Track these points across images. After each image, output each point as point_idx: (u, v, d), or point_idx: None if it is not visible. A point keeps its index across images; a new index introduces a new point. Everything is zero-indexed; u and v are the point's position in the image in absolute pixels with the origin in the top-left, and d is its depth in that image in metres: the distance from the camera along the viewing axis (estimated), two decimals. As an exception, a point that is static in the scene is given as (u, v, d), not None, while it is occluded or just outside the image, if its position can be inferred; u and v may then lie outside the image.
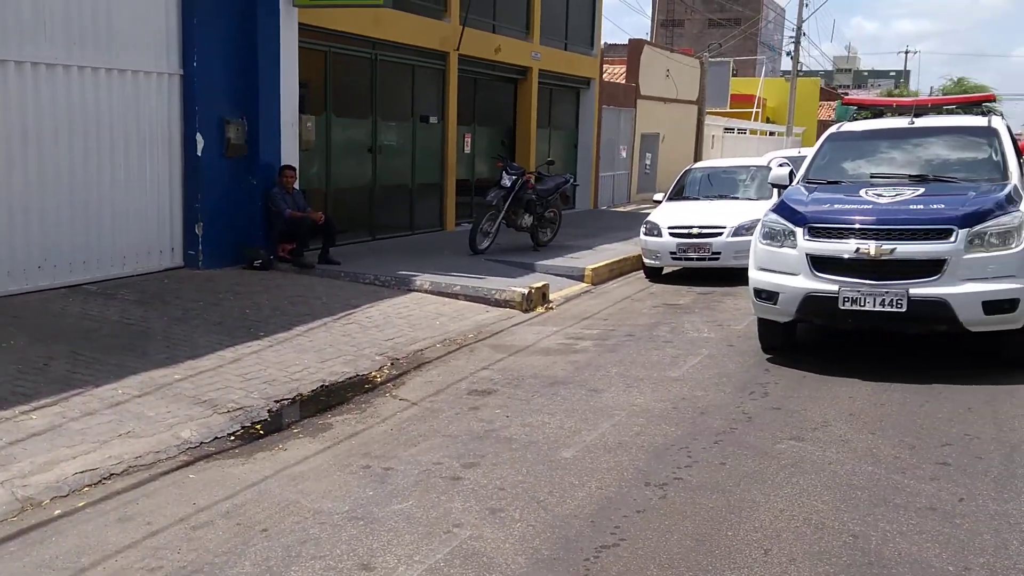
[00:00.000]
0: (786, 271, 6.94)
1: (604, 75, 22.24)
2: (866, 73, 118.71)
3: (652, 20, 60.34)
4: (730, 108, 34.55)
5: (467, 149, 16.56)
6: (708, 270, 11.86)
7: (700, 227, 11.65)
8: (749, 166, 13.65)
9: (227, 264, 10.83)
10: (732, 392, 6.41)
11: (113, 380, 6.42)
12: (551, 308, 10.11)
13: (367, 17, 12.82)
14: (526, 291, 9.95)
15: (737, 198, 12.76)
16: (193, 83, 10.29)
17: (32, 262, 8.90)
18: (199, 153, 10.42)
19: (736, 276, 11.60)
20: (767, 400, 6.18)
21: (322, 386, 6.77)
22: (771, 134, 37.81)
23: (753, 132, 36.12)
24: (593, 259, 12.68)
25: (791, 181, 8.18)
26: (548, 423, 5.79)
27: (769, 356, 7.47)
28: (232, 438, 5.64)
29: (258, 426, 5.88)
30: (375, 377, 7.09)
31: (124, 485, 4.85)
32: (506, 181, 12.87)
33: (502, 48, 16.69)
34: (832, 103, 50.51)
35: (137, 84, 9.80)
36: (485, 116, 17.31)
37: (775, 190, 12.19)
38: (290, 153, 11.46)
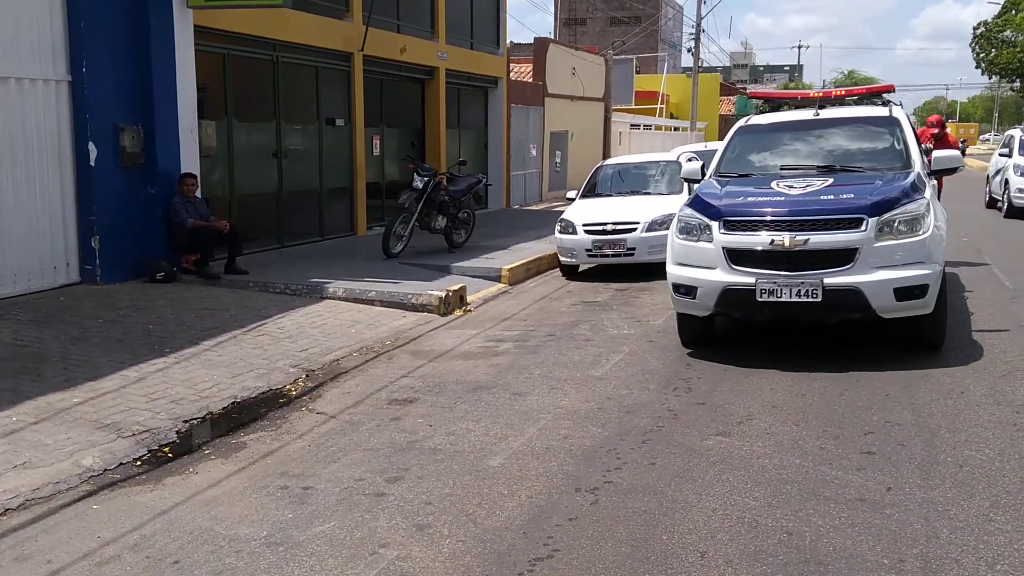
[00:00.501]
0: (703, 265, 6.95)
1: (511, 74, 22.19)
2: (762, 68, 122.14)
3: (555, 19, 60.79)
4: (635, 105, 35.01)
5: (376, 151, 16.27)
6: (624, 266, 11.89)
7: (614, 223, 11.66)
8: (659, 161, 13.76)
9: (128, 278, 10.34)
10: (656, 389, 6.37)
11: (6, 407, 6.00)
12: (469, 311, 9.96)
13: (267, 18, 12.43)
14: (443, 294, 9.78)
15: (649, 193, 12.84)
16: (83, 90, 9.77)
17: (-89, 284, 8.30)
18: (92, 163, 9.90)
19: (651, 271, 11.69)
20: (691, 396, 6.16)
21: (234, 402, 6.47)
22: (675, 129, 38.45)
23: (658, 128, 36.66)
24: (509, 259, 12.58)
25: (703, 175, 8.21)
26: (473, 430, 5.64)
27: (690, 351, 7.48)
28: (138, 463, 5.32)
29: (166, 449, 5.56)
30: (290, 391, 6.83)
31: (21, 520, 4.51)
32: (418, 183, 12.67)
33: (408, 48, 16.45)
34: (732, 98, 51.75)
35: (21, 92, 9.25)
36: (393, 117, 17.04)
37: (687, 185, 12.37)
38: (190, 160, 11.01)
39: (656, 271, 11.70)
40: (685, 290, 7.07)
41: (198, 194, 10.93)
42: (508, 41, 21.63)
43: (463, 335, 8.68)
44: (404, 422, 5.91)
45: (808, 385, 6.24)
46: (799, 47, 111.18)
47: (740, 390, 6.22)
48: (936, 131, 11.88)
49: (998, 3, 44.40)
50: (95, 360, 7.24)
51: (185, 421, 6.02)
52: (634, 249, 11.56)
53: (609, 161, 14.24)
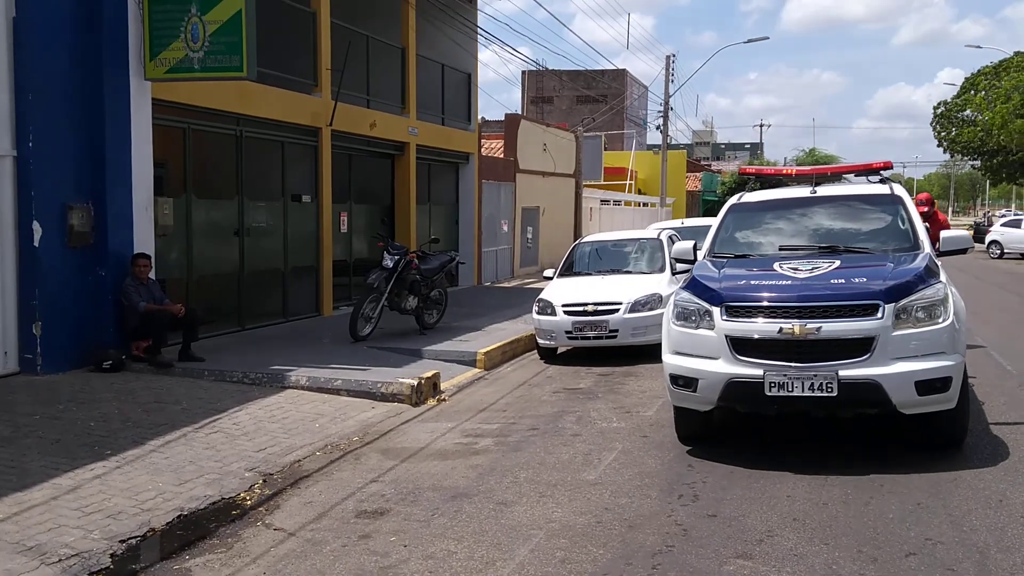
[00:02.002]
0: (704, 355, 6.35)
1: (482, 150, 21.88)
2: (723, 146, 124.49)
3: (522, 97, 61.46)
4: (604, 181, 34.96)
5: (344, 228, 15.67)
6: (605, 349, 11.28)
7: (595, 304, 11.10)
8: (639, 239, 13.30)
9: (72, 367, 9.54)
10: (659, 497, 5.68)
11: (-91, 530, 5.18)
12: (444, 400, 9.26)
13: (231, 92, 11.92)
14: (415, 382, 9.08)
15: (630, 272, 12.33)
16: (29, 166, 9.11)
17: None
18: (36, 243, 9.19)
19: (635, 354, 11.11)
20: (699, 505, 5.48)
21: (180, 516, 5.67)
22: (644, 205, 38.43)
23: (628, 203, 36.59)
24: (484, 341, 11.93)
25: (695, 256, 7.68)
26: (455, 552, 4.90)
27: (689, 448, 6.82)
28: (61, 600, 4.51)
29: (97, 578, 4.76)
30: (244, 500, 6.04)
31: None
32: (388, 261, 12.06)
33: (378, 123, 16.02)
34: (698, 174, 52.17)
35: (-41, 167, 8.56)
36: (362, 193, 16.51)
37: (672, 264, 11.89)
38: (144, 239, 10.32)
39: (640, 354, 11.15)
40: (684, 382, 6.45)
41: (152, 275, 10.22)
42: (480, 117, 21.36)
43: (438, 429, 7.96)
44: (374, 541, 5.15)
45: (828, 492, 5.59)
46: (761, 125, 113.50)
47: (753, 498, 5.55)
48: (926, 209, 11.53)
49: (955, 84, 45.32)
50: (25, 465, 6.42)
51: (122, 541, 5.22)
52: (617, 331, 10.97)
53: (587, 238, 13.77)
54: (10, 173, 9.10)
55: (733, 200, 8.26)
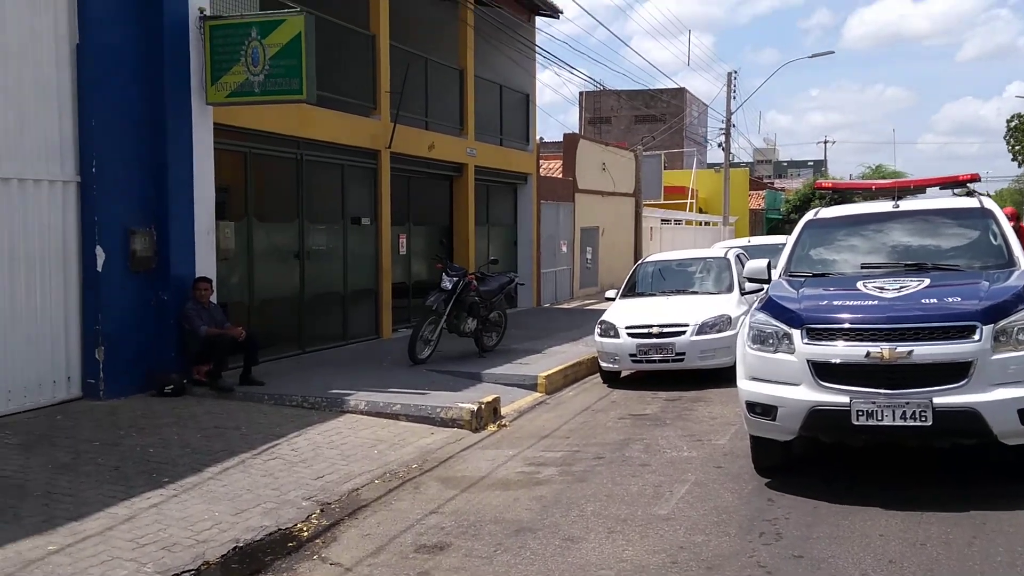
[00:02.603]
0: (784, 380, 5.97)
1: (541, 170, 21.68)
2: (785, 163, 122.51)
3: (580, 117, 61.25)
4: (664, 199, 34.48)
5: (403, 250, 15.57)
6: (671, 373, 10.90)
7: (660, 326, 10.73)
8: (704, 258, 12.90)
9: (134, 392, 9.49)
10: (738, 535, 5.31)
11: (-35, 561, 5.07)
12: (504, 425, 8.99)
13: (292, 116, 11.90)
14: (475, 407, 8.83)
15: (696, 292, 11.94)
16: (92, 191, 9.12)
17: None
18: (99, 268, 9.17)
19: (702, 378, 10.71)
20: (783, 545, 5.09)
21: (235, 548, 5.49)
22: (705, 224, 37.81)
23: (689, 222, 36.03)
24: (545, 364, 11.64)
25: (769, 275, 7.30)
26: (520, 593, 4.62)
27: (768, 480, 6.42)
28: (112, 639, 4.33)
29: (148, 617, 4.58)
30: (301, 531, 5.84)
31: None
32: (447, 283, 11.87)
33: (436, 145, 15.92)
34: (760, 192, 51.28)
35: (24, 194, 8.60)
36: (421, 215, 16.41)
37: (749, 284, 11.47)
38: (206, 263, 10.28)
39: (708, 378, 10.75)
40: (762, 410, 6.07)
41: (213, 299, 10.17)
42: (539, 137, 21.17)
43: (498, 457, 7.69)
44: (435, 578, 4.89)
45: (924, 530, 5.16)
46: (825, 142, 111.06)
47: (842, 537, 5.15)
48: (1012, 224, 10.90)
49: (1027, 96, 43.76)
50: (82, 494, 6.32)
51: (175, 575, 5.04)
52: (684, 354, 10.58)
53: (650, 258, 13.41)
54: (74, 199, 9.13)
55: (809, 215, 7.86)
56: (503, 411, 9.37)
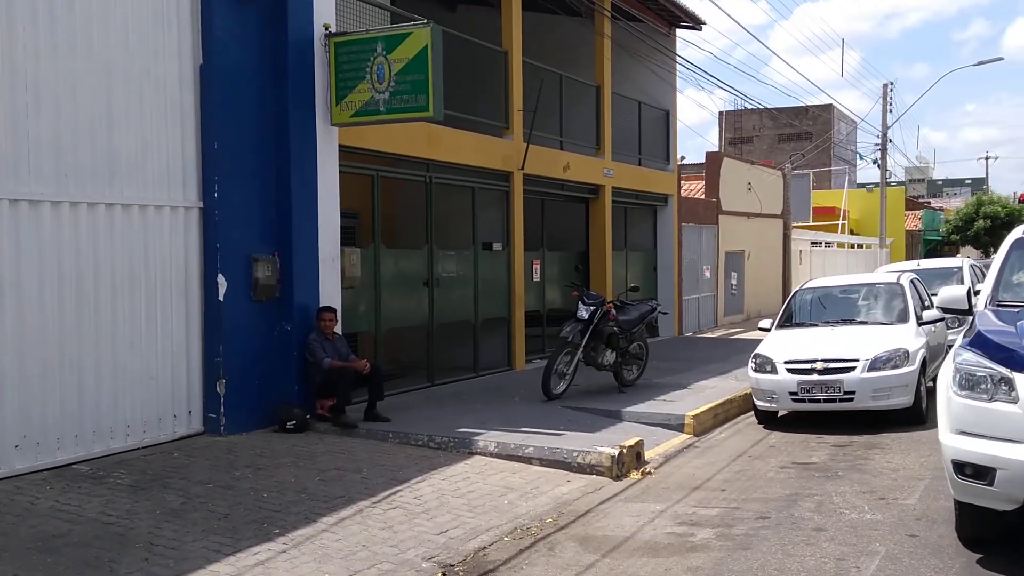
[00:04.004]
0: (1004, 436, 4.80)
1: (682, 191, 20.57)
2: (940, 182, 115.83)
3: (720, 138, 59.37)
4: (812, 221, 32.55)
5: (536, 277, 14.81)
6: (837, 413, 9.63)
7: (825, 361, 9.48)
8: (872, 283, 11.52)
9: (256, 427, 9.07)
10: (957, 637, 4.19)
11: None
12: (649, 472, 8.02)
13: (420, 137, 11.38)
14: (616, 452, 7.91)
15: (865, 323, 10.60)
16: (215, 216, 8.79)
17: (7, 440, 7.22)
18: (221, 297, 8.81)
19: (872, 420, 9.43)
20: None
21: (344, 621, 4.77)
22: (859, 246, 35.46)
23: (840, 245, 33.84)
24: (692, 402, 10.57)
25: (970, 303, 6.08)
26: None
27: (979, 556, 5.22)
28: None
29: None
30: (419, 602, 5.07)
31: None
32: (583, 312, 11.00)
33: (571, 165, 15.13)
34: (917, 212, 48.01)
35: (145, 220, 8.31)
36: (555, 239, 15.62)
37: (914, 313, 10.14)
38: (330, 292, 9.81)
39: (882, 420, 9.45)
40: (974, 472, 4.90)
41: (337, 330, 9.67)
42: (680, 156, 20.07)
43: (644, 512, 6.73)
44: None
45: None
46: (987, 158, 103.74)
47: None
48: None
49: None
50: (185, 547, 5.77)
51: (272, 655, 4.35)
52: (853, 393, 9.31)
53: (809, 284, 12.11)
54: (196, 224, 8.82)
55: (1018, 233, 6.56)
56: (647, 455, 8.41)
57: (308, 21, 9.51)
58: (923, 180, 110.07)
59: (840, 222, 35.57)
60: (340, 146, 10.02)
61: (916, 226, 46.49)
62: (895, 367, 9.34)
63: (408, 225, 12.25)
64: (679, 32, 19.17)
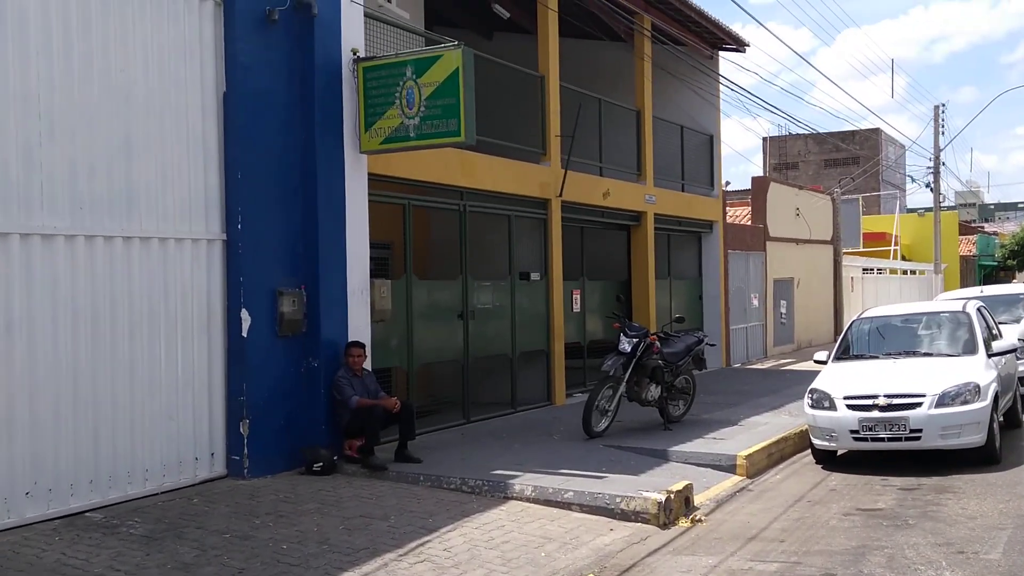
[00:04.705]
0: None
1: (727, 217, 19.93)
2: (992, 206, 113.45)
3: (764, 164, 58.48)
4: (863, 247, 31.59)
5: (576, 307, 14.26)
6: (901, 452, 8.93)
7: (889, 396, 8.80)
8: (936, 312, 10.78)
9: (281, 468, 8.63)
10: None
11: None
12: (699, 520, 7.40)
13: (453, 164, 10.98)
14: (663, 497, 7.32)
15: (930, 355, 9.87)
16: (238, 249, 8.42)
17: (17, 487, 6.84)
18: (245, 333, 8.41)
19: (941, 458, 8.71)
20: None
21: None
22: (912, 272, 34.33)
23: (892, 271, 32.77)
24: (744, 440, 9.92)
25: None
26: None
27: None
28: None
29: None
30: (443, 676, 4.52)
31: None
32: (625, 345, 10.44)
33: (611, 192, 14.63)
34: (971, 237, 46.59)
35: (165, 253, 7.96)
36: (595, 269, 15.08)
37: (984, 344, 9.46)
38: (359, 326, 9.37)
39: (950, 460, 8.72)
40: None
41: (366, 366, 9.22)
42: (724, 182, 19.47)
43: (696, 567, 6.13)
44: None
45: None
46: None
47: None
48: None
49: None
50: (193, 607, 5.30)
51: None
52: (920, 431, 8.60)
53: (867, 313, 11.40)
54: (219, 258, 8.45)
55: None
56: (696, 500, 7.79)
57: (336, 46, 9.17)
58: (974, 204, 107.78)
59: (892, 248, 34.51)
60: (369, 174, 9.64)
61: (970, 251, 45.09)
62: (965, 403, 8.63)
63: (442, 255, 11.82)
64: (722, 55, 18.65)
